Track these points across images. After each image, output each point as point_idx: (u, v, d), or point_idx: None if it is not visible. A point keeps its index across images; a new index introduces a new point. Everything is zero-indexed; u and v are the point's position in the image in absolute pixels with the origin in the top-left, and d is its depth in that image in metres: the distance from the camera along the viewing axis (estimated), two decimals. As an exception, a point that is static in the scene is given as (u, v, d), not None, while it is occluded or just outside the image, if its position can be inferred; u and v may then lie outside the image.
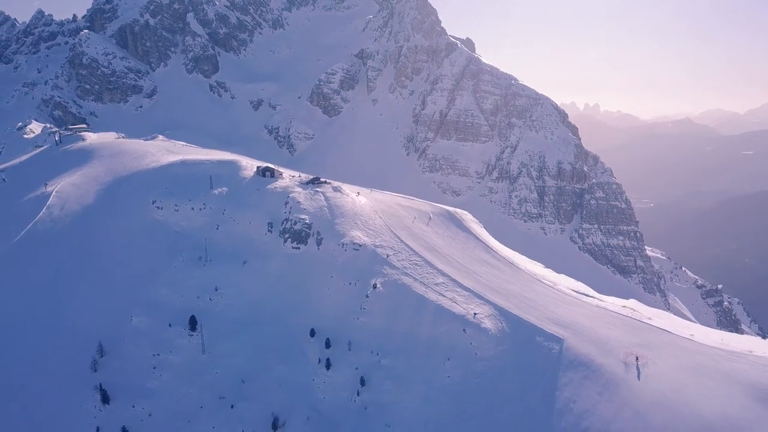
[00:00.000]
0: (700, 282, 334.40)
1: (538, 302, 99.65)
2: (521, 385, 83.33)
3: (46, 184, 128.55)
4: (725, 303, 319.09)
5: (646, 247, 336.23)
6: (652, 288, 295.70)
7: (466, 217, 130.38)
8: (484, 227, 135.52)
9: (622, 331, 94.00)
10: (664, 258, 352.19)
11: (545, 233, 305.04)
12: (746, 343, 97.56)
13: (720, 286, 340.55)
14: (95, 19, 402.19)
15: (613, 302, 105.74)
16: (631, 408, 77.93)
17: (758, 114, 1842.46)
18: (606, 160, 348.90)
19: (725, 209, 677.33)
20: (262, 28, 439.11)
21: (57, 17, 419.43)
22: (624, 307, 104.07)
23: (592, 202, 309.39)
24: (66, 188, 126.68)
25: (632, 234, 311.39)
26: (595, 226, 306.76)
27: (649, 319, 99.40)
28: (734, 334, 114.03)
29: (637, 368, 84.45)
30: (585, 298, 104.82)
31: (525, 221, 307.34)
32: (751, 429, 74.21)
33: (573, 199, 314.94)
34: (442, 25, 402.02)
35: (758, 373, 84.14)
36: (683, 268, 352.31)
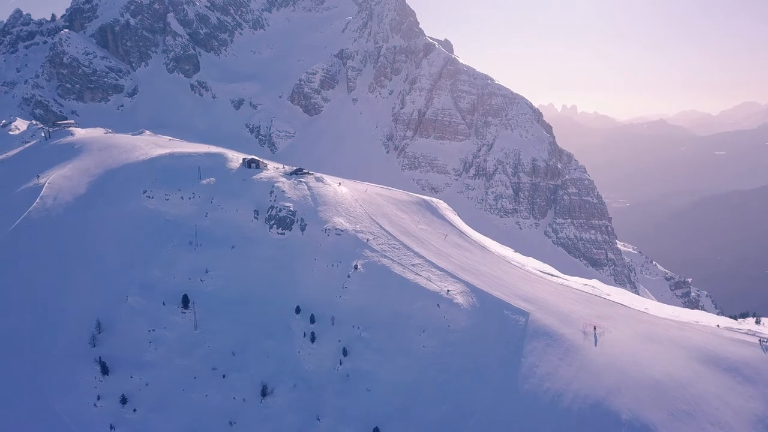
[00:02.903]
0: (669, 275, 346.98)
1: (506, 280, 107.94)
2: (490, 353, 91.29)
3: (38, 176, 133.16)
4: (692, 294, 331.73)
5: (618, 242, 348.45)
6: (623, 280, 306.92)
7: (441, 205, 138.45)
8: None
9: (582, 305, 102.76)
10: (636, 252, 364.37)
11: (520, 228, 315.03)
12: (694, 315, 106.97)
13: (690, 280, 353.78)
14: (74, 18, 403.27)
15: (575, 281, 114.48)
16: (588, 370, 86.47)
17: (731, 115, 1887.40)
18: (583, 161, 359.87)
19: (699, 208, 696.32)
20: (242, 29, 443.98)
21: (35, 17, 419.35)
22: (586, 285, 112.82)
23: (565, 197, 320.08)
24: (58, 180, 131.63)
25: (604, 228, 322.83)
26: (568, 220, 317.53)
27: (608, 295, 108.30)
28: (685, 309, 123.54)
29: (595, 336, 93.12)
30: (550, 277, 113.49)
31: (501, 216, 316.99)
32: (693, 385, 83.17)
33: (547, 194, 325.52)
34: (420, 26, 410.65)
35: (702, 339, 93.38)
36: (653, 262, 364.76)
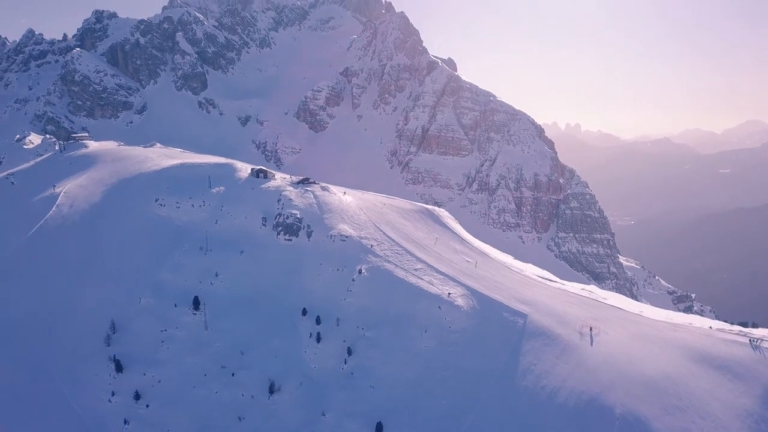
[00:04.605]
0: (671, 289, 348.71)
1: (505, 285, 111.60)
2: (489, 352, 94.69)
3: (54, 186, 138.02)
4: (695, 308, 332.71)
5: (621, 256, 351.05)
6: (625, 293, 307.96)
7: (443, 214, 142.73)
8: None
9: (579, 308, 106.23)
10: (638, 267, 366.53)
11: (523, 242, 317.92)
12: (688, 318, 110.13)
13: (693, 295, 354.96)
14: (86, 38, 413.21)
15: (573, 286, 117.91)
16: (584, 368, 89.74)
17: (735, 134, 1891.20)
18: (587, 178, 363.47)
19: (703, 225, 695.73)
20: (249, 47, 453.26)
21: (47, 36, 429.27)
22: (583, 289, 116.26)
23: (567, 211, 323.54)
24: (73, 189, 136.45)
25: (605, 242, 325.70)
26: (571, 234, 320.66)
27: (604, 299, 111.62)
28: (680, 313, 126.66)
29: (591, 337, 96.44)
30: (548, 282, 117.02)
31: (503, 230, 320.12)
32: (686, 383, 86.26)
33: (549, 209, 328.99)
34: (423, 44, 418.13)
35: (695, 339, 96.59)
36: (656, 277, 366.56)
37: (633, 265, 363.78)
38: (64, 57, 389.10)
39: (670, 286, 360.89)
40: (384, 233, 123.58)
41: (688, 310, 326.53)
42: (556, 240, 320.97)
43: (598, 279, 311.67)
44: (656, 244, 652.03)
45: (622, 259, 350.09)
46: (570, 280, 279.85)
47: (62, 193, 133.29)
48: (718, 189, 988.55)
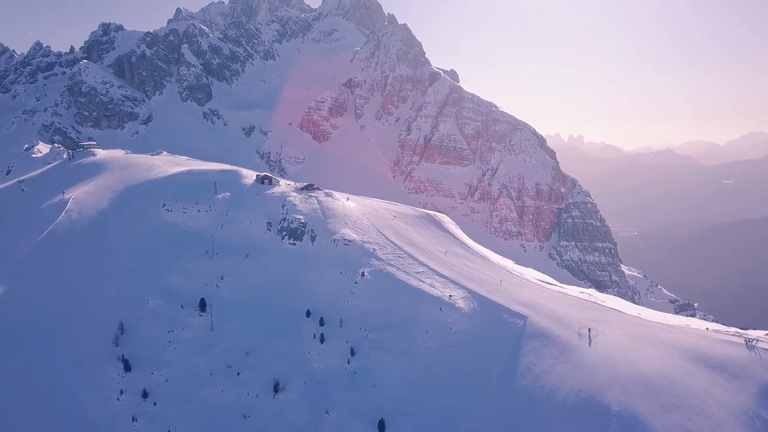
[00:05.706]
0: (673, 297, 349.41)
1: (506, 288, 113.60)
2: (489, 353, 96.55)
3: (63, 193, 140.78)
4: (697, 317, 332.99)
5: (623, 266, 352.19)
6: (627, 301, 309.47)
7: (445, 219, 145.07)
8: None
9: (578, 311, 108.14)
10: (641, 276, 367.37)
11: (525, 250, 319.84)
12: (685, 320, 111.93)
13: (696, 305, 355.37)
14: (92, 50, 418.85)
15: (572, 289, 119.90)
16: (582, 368, 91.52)
17: (737, 145, 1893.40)
18: (590, 191, 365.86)
19: (707, 237, 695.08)
20: (253, 59, 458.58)
21: (54, 49, 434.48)
22: (582, 292, 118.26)
23: (569, 220, 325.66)
24: (82, 196, 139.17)
25: (607, 250, 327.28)
26: (572, 243, 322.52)
27: (603, 301, 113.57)
28: (678, 316, 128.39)
29: (589, 338, 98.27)
30: (548, 285, 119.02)
31: (506, 239, 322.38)
32: (683, 382, 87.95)
33: (551, 218, 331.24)
34: (426, 56, 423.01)
35: (691, 340, 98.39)
36: (659, 286, 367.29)
37: (635, 274, 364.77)
38: (71, 69, 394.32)
39: (672, 295, 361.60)
40: (386, 237, 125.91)
41: (690, 317, 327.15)
42: (558, 248, 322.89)
43: (600, 287, 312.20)
44: (659, 255, 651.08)
45: (624, 268, 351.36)
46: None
47: (71, 200, 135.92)
48: (721, 200, 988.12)
